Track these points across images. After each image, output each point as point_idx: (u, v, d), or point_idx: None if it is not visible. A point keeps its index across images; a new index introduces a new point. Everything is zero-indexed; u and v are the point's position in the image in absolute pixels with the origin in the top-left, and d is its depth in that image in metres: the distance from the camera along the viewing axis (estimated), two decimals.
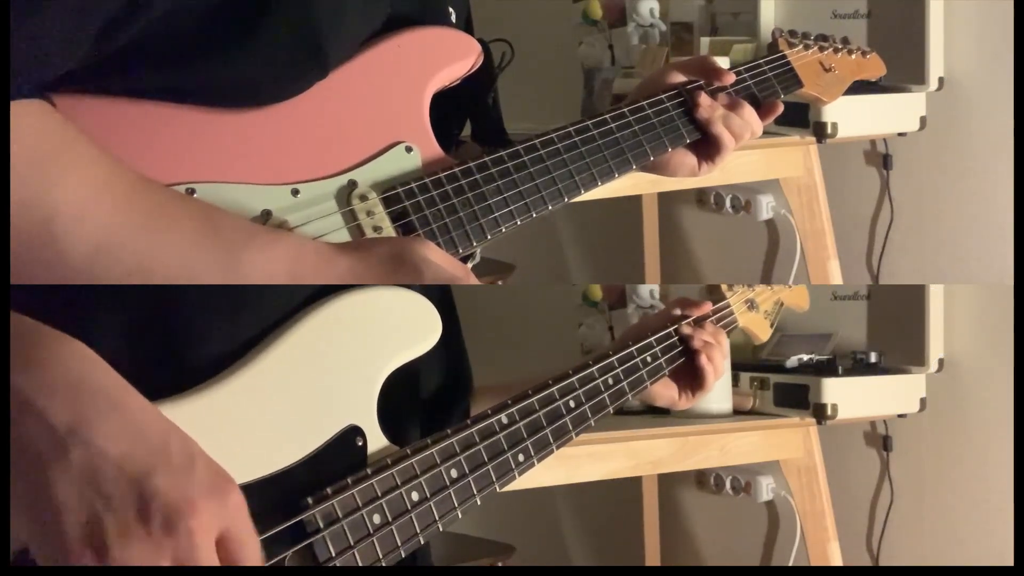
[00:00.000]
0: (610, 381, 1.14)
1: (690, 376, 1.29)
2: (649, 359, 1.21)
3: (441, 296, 1.01)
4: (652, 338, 1.23)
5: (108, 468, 0.72)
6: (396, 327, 0.95)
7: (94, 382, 0.75)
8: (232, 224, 0.89)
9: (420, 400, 1.05)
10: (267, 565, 0.82)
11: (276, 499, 0.83)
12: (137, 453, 0.74)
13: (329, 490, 0.87)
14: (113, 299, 0.82)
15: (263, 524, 0.81)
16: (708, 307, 1.32)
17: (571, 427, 1.07)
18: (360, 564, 0.87)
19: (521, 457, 1.01)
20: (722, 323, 1.36)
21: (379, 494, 0.89)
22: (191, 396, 0.82)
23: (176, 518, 0.73)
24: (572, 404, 1.08)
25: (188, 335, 0.85)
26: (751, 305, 1.42)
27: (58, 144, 0.81)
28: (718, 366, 1.28)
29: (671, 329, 1.27)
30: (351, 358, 0.92)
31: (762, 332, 1.44)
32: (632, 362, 1.18)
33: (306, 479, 0.86)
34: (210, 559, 0.74)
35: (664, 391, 1.29)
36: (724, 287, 1.40)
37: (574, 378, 1.09)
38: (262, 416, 0.85)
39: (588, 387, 1.10)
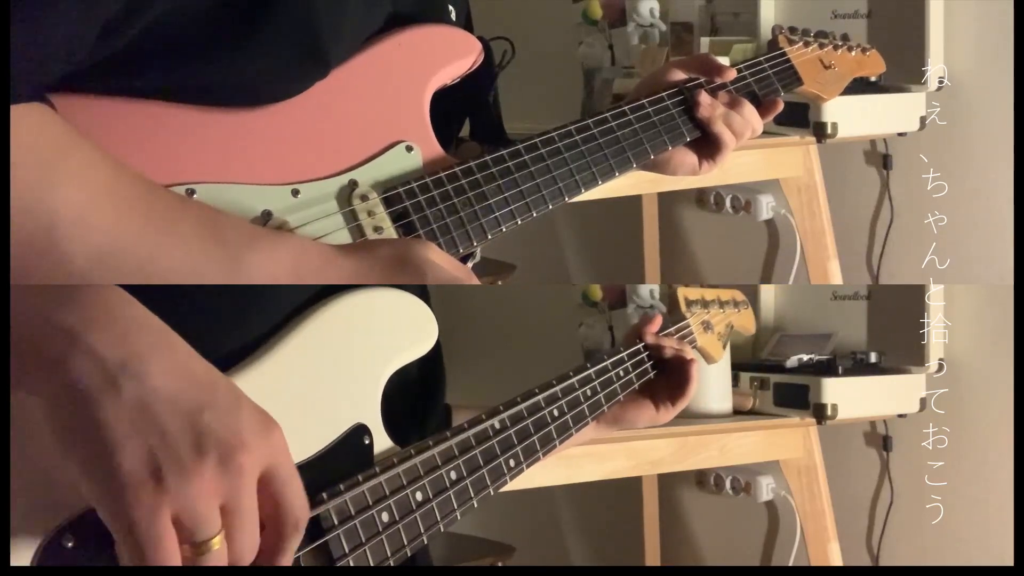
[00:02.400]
0: (588, 393, 1.17)
1: (666, 389, 1.31)
2: (622, 373, 1.25)
3: (420, 298, 1.01)
4: (624, 353, 1.27)
5: (161, 403, 0.73)
6: (397, 328, 0.96)
7: (141, 320, 0.76)
8: (234, 227, 0.89)
9: (410, 401, 1.05)
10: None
11: None
12: (188, 390, 0.74)
13: (342, 486, 0.87)
14: None
15: None
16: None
17: (555, 435, 1.10)
18: (371, 562, 0.87)
19: (512, 462, 1.03)
20: (685, 341, 1.39)
21: (387, 493, 0.90)
22: None
23: (229, 454, 0.73)
24: (556, 413, 1.11)
25: (194, 337, 0.85)
26: (706, 327, 1.46)
27: (59, 148, 0.81)
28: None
29: (640, 346, 1.30)
30: (356, 358, 0.93)
31: (716, 353, 1.48)
32: (607, 375, 1.22)
33: (316, 477, 0.86)
34: (251, 498, 0.75)
35: (642, 412, 1.31)
36: (683, 307, 1.43)
37: (558, 388, 1.13)
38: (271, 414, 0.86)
39: (570, 398, 1.14)
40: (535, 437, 1.06)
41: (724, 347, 1.51)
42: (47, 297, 0.74)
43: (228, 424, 0.74)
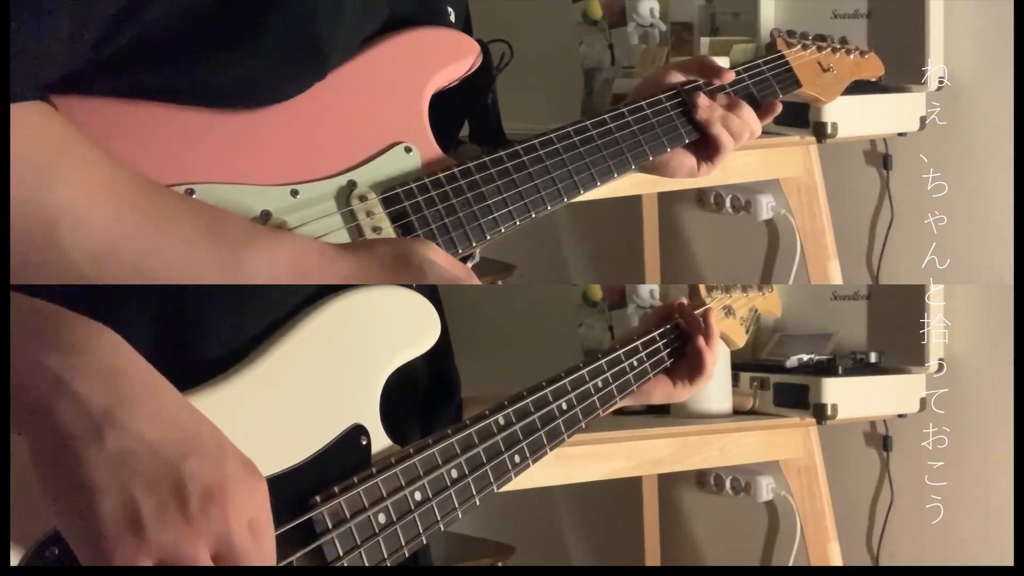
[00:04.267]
0: (600, 384, 1.15)
1: (686, 367, 1.31)
2: (636, 363, 1.23)
3: (430, 296, 1.01)
4: (639, 342, 1.25)
5: (144, 451, 0.73)
6: (397, 326, 0.96)
7: (129, 367, 0.75)
8: (235, 225, 0.89)
9: (416, 400, 1.05)
10: (278, 565, 0.82)
11: (283, 498, 0.83)
12: (172, 438, 0.74)
13: (336, 489, 0.87)
14: (114, 302, 0.82)
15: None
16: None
17: (564, 429, 1.08)
18: (366, 563, 0.87)
19: (517, 458, 1.01)
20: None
21: (384, 494, 0.89)
22: (195, 396, 0.82)
23: (211, 502, 0.73)
24: (564, 406, 1.09)
25: (190, 336, 0.85)
26: (728, 311, 1.44)
27: (60, 146, 0.81)
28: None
29: (656, 334, 1.28)
30: (354, 357, 0.92)
31: (738, 338, 1.46)
32: (620, 366, 1.20)
33: (311, 478, 0.87)
34: (245, 543, 0.75)
35: (658, 385, 1.30)
36: (703, 292, 1.42)
37: (566, 380, 1.11)
38: (267, 416, 0.86)
39: (579, 390, 1.12)
40: (542, 432, 1.05)
41: (747, 332, 1.48)
42: (35, 339, 0.74)
43: (211, 473, 0.74)
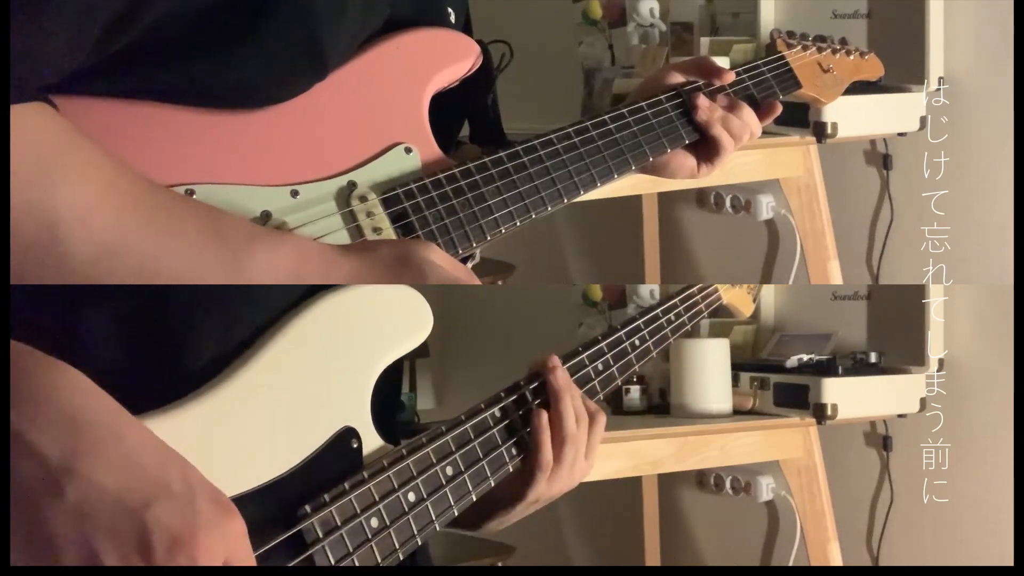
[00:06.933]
0: (600, 367, 1.13)
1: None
2: (637, 342, 1.20)
3: None
4: (640, 321, 1.22)
5: (105, 502, 0.71)
6: (387, 322, 0.94)
7: (89, 413, 0.73)
8: (236, 225, 0.89)
9: (395, 390, 1.04)
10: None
11: (273, 509, 0.82)
12: (135, 485, 0.72)
13: (327, 497, 0.86)
14: (96, 313, 0.82)
15: (261, 535, 0.80)
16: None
17: None
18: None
19: (515, 451, 1.00)
20: (707, 301, 1.35)
21: (376, 498, 0.88)
22: (181, 407, 0.81)
23: (178, 550, 0.72)
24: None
25: (176, 344, 0.84)
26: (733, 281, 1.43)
27: (61, 147, 0.81)
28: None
29: (659, 311, 1.26)
30: (342, 357, 0.91)
31: (745, 307, 1.45)
32: (621, 346, 1.17)
33: (302, 486, 0.85)
34: None
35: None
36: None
37: (564, 367, 1.08)
38: (255, 424, 0.84)
39: (579, 375, 1.10)
40: None
41: (754, 301, 1.47)
42: None
43: (178, 518, 0.72)
